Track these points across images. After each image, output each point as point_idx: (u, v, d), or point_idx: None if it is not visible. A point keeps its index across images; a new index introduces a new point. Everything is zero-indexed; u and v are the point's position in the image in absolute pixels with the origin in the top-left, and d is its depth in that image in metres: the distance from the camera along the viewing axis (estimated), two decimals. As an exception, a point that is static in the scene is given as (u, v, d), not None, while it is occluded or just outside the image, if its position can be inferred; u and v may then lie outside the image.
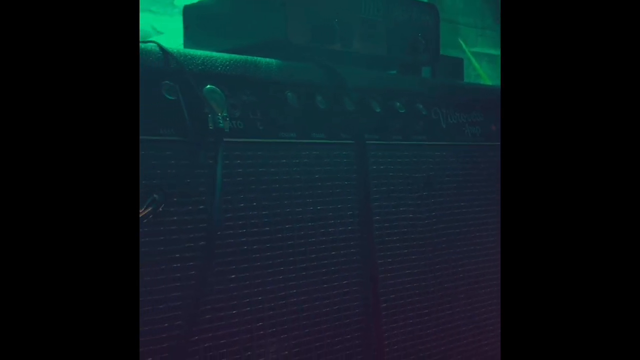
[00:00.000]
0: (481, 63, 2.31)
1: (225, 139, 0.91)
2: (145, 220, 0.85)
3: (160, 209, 0.87)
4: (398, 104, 1.11)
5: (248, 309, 0.94)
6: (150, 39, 0.94)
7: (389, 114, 1.10)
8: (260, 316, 0.95)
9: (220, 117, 0.90)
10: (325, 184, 1.03)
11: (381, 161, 1.10)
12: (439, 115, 1.18)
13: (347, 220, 1.06)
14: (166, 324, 0.86)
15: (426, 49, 1.20)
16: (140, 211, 0.85)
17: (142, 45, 0.86)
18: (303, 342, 0.99)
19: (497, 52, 2.38)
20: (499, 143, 1.17)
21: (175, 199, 0.88)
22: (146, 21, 1.74)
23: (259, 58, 0.98)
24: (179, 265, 0.87)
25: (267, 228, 0.96)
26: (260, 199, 0.96)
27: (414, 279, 1.13)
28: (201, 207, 0.90)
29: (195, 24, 1.16)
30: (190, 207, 0.89)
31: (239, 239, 0.93)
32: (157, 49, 0.88)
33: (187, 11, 1.17)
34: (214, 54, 0.94)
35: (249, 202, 0.95)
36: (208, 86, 0.91)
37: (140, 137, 0.85)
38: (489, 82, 2.13)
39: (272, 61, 1.00)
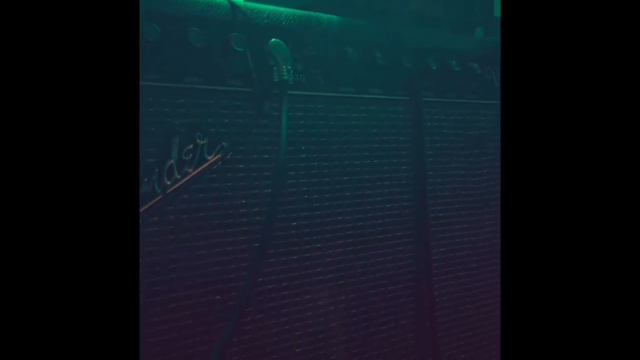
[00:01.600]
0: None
1: (288, 92, 0.94)
2: (214, 167, 0.89)
3: (228, 157, 0.90)
4: (453, 62, 1.13)
5: (308, 255, 0.98)
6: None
7: (445, 72, 1.12)
8: (317, 262, 0.99)
9: (284, 70, 0.93)
10: (381, 139, 1.06)
11: (435, 118, 1.13)
12: (492, 75, 1.20)
13: (401, 175, 1.09)
14: (233, 266, 0.90)
15: (481, 9, 1.22)
16: (209, 158, 0.89)
17: (212, -2, 0.90)
18: (358, 289, 1.03)
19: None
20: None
21: (242, 147, 0.91)
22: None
23: (321, 14, 1.01)
24: (245, 210, 0.91)
25: (327, 179, 1.00)
26: (320, 151, 0.99)
27: (464, 233, 1.16)
28: (266, 156, 0.93)
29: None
30: (255, 156, 0.93)
31: (300, 188, 0.97)
32: (226, 2, 0.92)
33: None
34: (279, 8, 0.97)
35: (310, 153, 0.98)
36: (273, 39, 0.94)
37: (211, 87, 0.89)
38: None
39: (333, 17, 1.02)
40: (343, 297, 1.01)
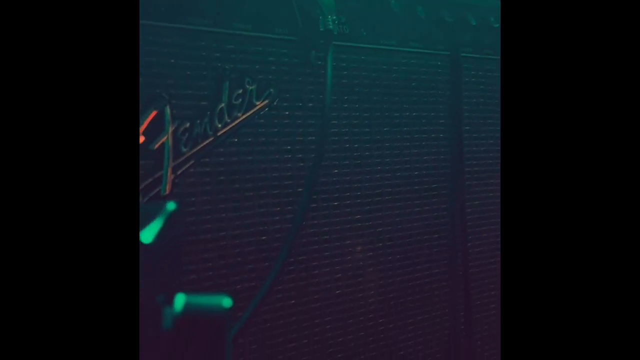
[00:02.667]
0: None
1: (333, 42, 0.96)
2: (262, 112, 0.92)
3: (275, 103, 0.93)
4: (492, 19, 1.15)
5: (348, 201, 1.01)
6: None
7: (484, 28, 1.14)
8: (357, 209, 1.02)
9: (329, 20, 0.95)
10: (420, 92, 1.09)
11: (473, 74, 1.15)
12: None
13: (438, 128, 1.11)
14: (278, 208, 0.93)
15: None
16: (257, 103, 0.92)
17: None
18: (395, 237, 1.06)
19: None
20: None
21: (287, 95, 0.94)
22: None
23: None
24: (290, 156, 0.94)
25: (367, 129, 1.03)
26: (362, 101, 1.02)
27: (497, 187, 1.19)
28: (310, 104, 0.96)
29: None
30: (300, 104, 0.96)
31: (342, 137, 1.00)
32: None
33: None
34: (326, -41, 0.99)
35: (352, 103, 1.01)
36: (319, -11, 0.96)
37: (259, 34, 0.91)
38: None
39: (377, -30, 1.05)
40: (380, 245, 1.04)
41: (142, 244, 0.39)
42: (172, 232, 0.43)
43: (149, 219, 0.43)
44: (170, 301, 0.42)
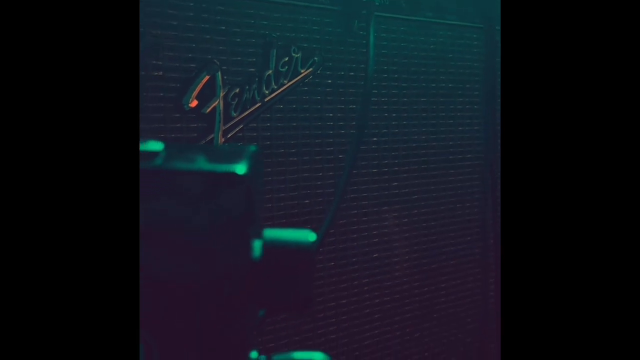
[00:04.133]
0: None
1: (375, 13, 0.99)
2: (306, 80, 0.95)
3: (319, 71, 0.97)
4: (526, -7, 1.18)
5: (386, 169, 1.04)
6: None
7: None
8: (393, 177, 1.05)
9: (372, -9, 0.98)
10: (456, 64, 1.12)
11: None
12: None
13: (473, 100, 1.15)
14: (320, 174, 0.96)
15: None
16: (302, 71, 0.95)
17: None
18: (429, 205, 1.10)
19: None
20: None
21: (331, 63, 0.98)
22: None
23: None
24: (331, 123, 0.98)
25: (405, 99, 1.06)
26: (401, 72, 1.05)
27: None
28: (352, 73, 0.99)
29: None
30: (342, 73, 0.99)
31: (381, 106, 1.03)
32: None
33: None
34: None
35: (392, 74, 1.04)
36: (362, -38, 0.99)
37: (304, 3, 0.95)
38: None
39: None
40: (415, 212, 1.08)
41: (235, 174, 0.43)
42: (256, 171, 0.46)
43: (234, 158, 0.47)
44: (259, 234, 0.46)
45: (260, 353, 0.48)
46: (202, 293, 0.45)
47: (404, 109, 1.06)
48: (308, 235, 0.45)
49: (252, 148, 0.48)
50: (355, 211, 1.01)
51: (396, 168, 1.05)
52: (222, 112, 0.88)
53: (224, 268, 0.44)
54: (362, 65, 0.98)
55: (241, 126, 0.90)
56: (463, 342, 1.14)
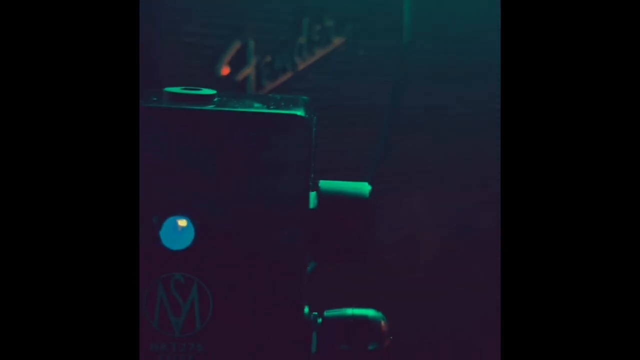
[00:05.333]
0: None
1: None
2: (339, 49, 0.94)
3: (351, 41, 0.95)
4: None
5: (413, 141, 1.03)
6: None
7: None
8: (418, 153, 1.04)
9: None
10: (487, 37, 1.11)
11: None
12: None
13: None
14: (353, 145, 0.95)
15: None
16: (334, 40, 0.93)
17: None
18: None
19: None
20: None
21: (364, 33, 0.96)
22: None
23: None
24: (365, 94, 0.96)
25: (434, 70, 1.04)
26: (433, 43, 1.04)
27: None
28: (385, 44, 0.98)
29: None
30: (375, 41, 0.97)
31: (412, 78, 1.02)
32: None
33: None
34: None
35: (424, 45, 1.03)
36: None
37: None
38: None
39: None
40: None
41: (297, 116, 0.42)
42: (312, 118, 0.45)
43: (290, 104, 0.46)
44: (315, 184, 0.44)
45: (311, 309, 0.47)
46: (257, 240, 0.44)
47: (432, 81, 1.04)
48: (364, 187, 0.44)
49: (304, 98, 0.47)
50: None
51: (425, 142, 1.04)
52: (254, 80, 0.86)
53: (281, 216, 0.43)
54: (397, 35, 0.96)
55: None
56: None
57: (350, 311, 0.47)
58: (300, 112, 0.43)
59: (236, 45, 0.84)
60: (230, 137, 0.43)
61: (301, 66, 0.90)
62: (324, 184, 0.44)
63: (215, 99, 0.45)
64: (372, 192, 0.44)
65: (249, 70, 0.85)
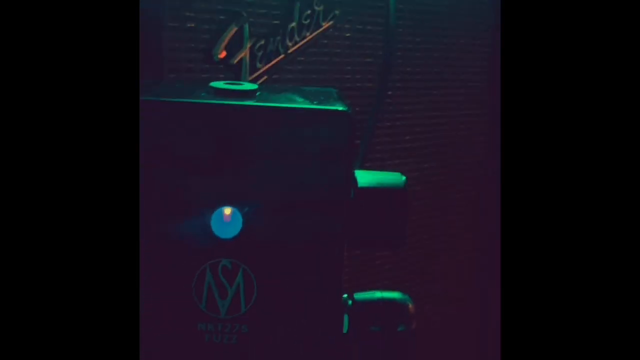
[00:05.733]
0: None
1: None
2: (327, 33, 0.96)
3: (338, 25, 0.97)
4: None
5: (399, 123, 1.06)
6: None
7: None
8: (404, 131, 1.07)
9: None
10: (466, 19, 1.14)
11: None
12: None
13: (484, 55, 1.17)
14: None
15: None
16: (323, 24, 0.96)
17: None
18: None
19: None
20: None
21: (350, 17, 0.99)
22: None
23: None
24: (349, 77, 0.99)
25: (418, 54, 1.08)
26: (416, 27, 1.07)
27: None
28: (369, 27, 1.01)
29: None
30: (361, 26, 1.00)
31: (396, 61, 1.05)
32: None
33: None
34: None
35: (407, 28, 1.06)
36: None
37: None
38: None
39: None
40: (427, 166, 1.11)
41: (340, 110, 0.44)
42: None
43: (328, 97, 0.48)
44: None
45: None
46: (299, 229, 0.47)
47: (419, 63, 1.08)
48: (399, 177, 0.47)
49: (334, 90, 0.50)
50: (369, 164, 1.03)
51: (411, 122, 1.07)
52: (248, 63, 0.88)
53: (322, 207, 0.46)
54: (381, 20, 0.99)
55: (265, 77, 0.90)
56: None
57: (379, 294, 0.51)
58: (342, 107, 0.45)
59: (232, 30, 0.86)
60: (275, 131, 0.45)
61: (292, 49, 0.93)
62: (361, 173, 0.47)
63: (257, 94, 0.47)
64: (406, 183, 0.47)
65: (244, 53, 0.87)
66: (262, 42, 0.89)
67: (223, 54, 0.86)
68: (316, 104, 0.46)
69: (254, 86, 0.48)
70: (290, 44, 0.92)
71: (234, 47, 0.86)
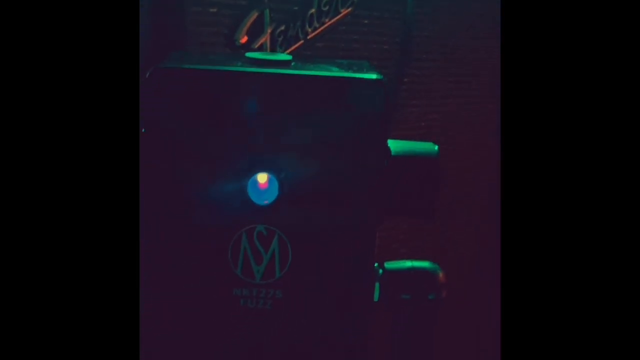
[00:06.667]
0: None
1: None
2: (345, 19, 0.97)
3: (357, 11, 0.98)
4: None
5: (415, 108, 1.07)
6: None
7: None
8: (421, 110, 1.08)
9: None
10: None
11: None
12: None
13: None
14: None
15: None
16: (342, 10, 0.97)
17: None
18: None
19: None
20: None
21: (368, 3, 0.99)
22: None
23: None
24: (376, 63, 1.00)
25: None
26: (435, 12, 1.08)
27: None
28: (386, 15, 1.01)
29: None
30: (378, 13, 1.01)
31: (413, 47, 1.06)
32: None
33: None
34: None
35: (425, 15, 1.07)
36: None
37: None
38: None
39: None
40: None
41: (376, 79, 0.45)
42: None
43: (361, 67, 0.49)
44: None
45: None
46: (333, 197, 0.48)
47: (433, 49, 1.08)
48: (432, 146, 0.48)
49: (367, 62, 0.50)
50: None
51: (425, 109, 1.08)
52: (268, 48, 0.89)
53: (357, 175, 0.47)
54: (398, 7, 1.00)
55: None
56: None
57: (409, 263, 0.52)
58: (378, 76, 0.46)
59: (253, 15, 0.87)
60: (311, 99, 0.46)
61: (311, 35, 0.94)
62: (394, 142, 0.48)
63: (292, 64, 0.48)
64: (439, 152, 0.48)
65: (264, 39, 0.88)
66: (283, 27, 0.90)
67: (244, 39, 0.87)
68: (351, 73, 0.47)
69: (288, 57, 0.49)
70: (309, 30, 0.94)
71: (255, 32, 0.87)
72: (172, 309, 0.48)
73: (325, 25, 0.96)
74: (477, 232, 1.21)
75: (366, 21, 1.00)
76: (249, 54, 0.48)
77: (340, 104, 0.46)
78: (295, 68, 0.48)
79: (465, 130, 1.15)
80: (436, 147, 0.48)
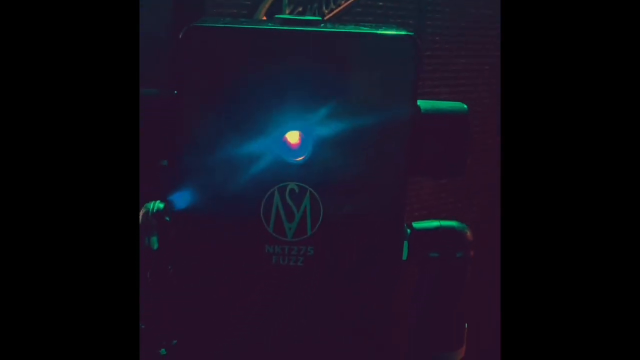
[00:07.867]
0: None
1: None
2: (360, 2, 0.98)
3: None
4: None
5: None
6: None
7: None
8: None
9: None
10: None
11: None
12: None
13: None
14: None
15: None
16: (343, 3, 0.98)
17: None
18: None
19: None
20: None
21: None
22: None
23: None
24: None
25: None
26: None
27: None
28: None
29: None
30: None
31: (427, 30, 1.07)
32: None
33: None
34: None
35: None
36: None
37: None
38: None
39: None
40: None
41: (408, 35, 0.46)
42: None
43: (390, 27, 0.50)
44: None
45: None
46: (364, 155, 0.48)
47: (449, 33, 1.09)
48: (461, 105, 0.49)
49: (395, 27, 0.51)
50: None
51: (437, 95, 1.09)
52: (286, 29, 0.90)
53: (387, 131, 0.47)
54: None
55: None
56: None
57: (437, 222, 0.52)
58: (410, 33, 0.47)
59: (272, -4, 0.88)
60: (342, 56, 0.47)
61: (328, 16, 0.94)
62: (423, 102, 0.49)
63: (322, 25, 0.49)
64: (468, 110, 0.49)
65: (282, 19, 0.89)
66: (300, 8, 0.91)
67: (264, 20, 0.88)
68: (382, 30, 0.48)
69: (318, 17, 0.49)
70: (326, 11, 0.94)
71: (273, 14, 0.88)
72: (205, 267, 0.49)
73: (342, 6, 0.96)
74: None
75: (381, 3, 1.00)
76: (278, 16, 0.49)
77: (371, 61, 0.47)
78: (325, 27, 0.48)
79: (476, 117, 1.16)
80: (466, 106, 0.49)
